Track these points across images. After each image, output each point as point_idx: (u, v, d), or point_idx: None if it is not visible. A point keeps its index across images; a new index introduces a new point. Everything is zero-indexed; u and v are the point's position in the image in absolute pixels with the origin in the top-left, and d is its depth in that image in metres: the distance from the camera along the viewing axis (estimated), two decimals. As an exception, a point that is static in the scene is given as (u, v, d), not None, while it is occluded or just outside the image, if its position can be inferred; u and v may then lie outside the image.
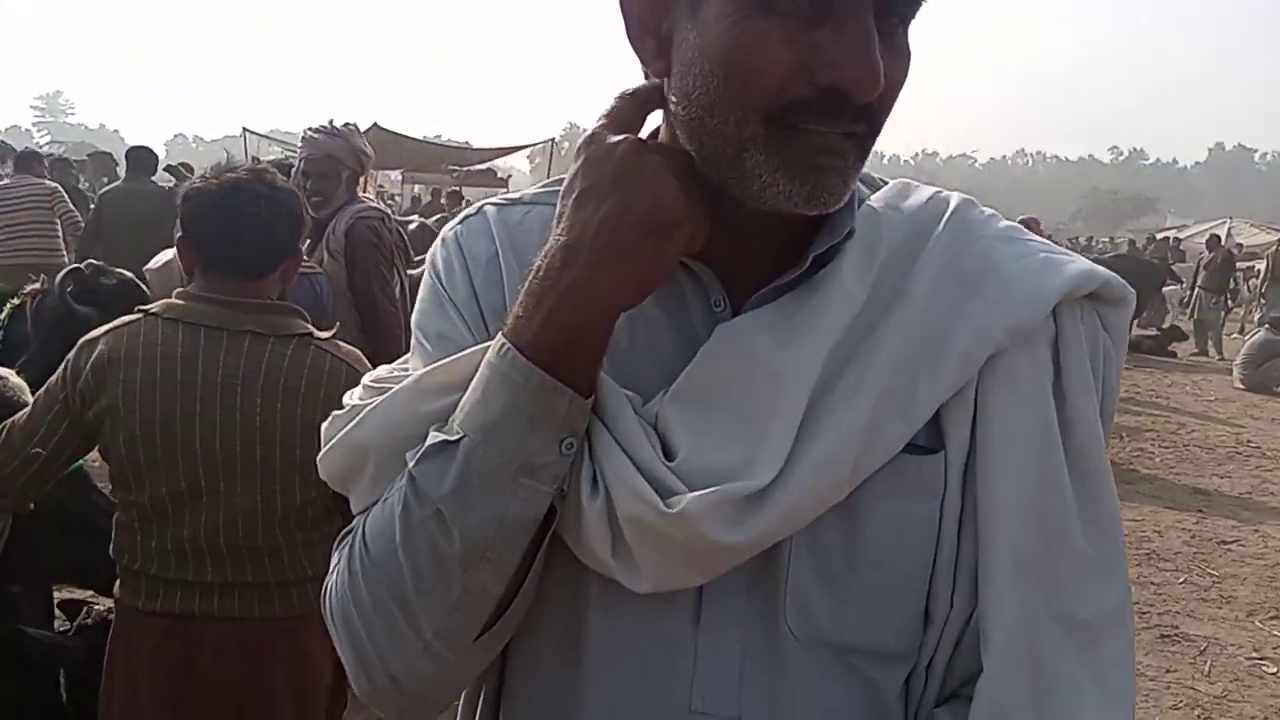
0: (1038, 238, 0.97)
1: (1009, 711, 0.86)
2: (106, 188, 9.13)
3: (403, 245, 4.57)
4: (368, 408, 0.93)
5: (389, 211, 4.67)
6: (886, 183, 1.02)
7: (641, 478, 0.84)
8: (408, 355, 1.03)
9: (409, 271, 4.59)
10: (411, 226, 11.39)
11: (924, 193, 0.99)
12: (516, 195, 1.06)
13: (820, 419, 0.85)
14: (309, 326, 2.26)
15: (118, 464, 2.18)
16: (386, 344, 4.13)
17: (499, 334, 0.86)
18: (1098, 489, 0.90)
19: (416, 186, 27.50)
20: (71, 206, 8.93)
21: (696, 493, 0.82)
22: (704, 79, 0.83)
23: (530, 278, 0.85)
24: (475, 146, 32.26)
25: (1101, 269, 0.94)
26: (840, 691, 0.92)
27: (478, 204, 1.07)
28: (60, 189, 9.00)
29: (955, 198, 0.98)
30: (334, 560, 0.95)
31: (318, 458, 0.97)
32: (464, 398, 0.87)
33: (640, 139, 0.87)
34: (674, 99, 0.88)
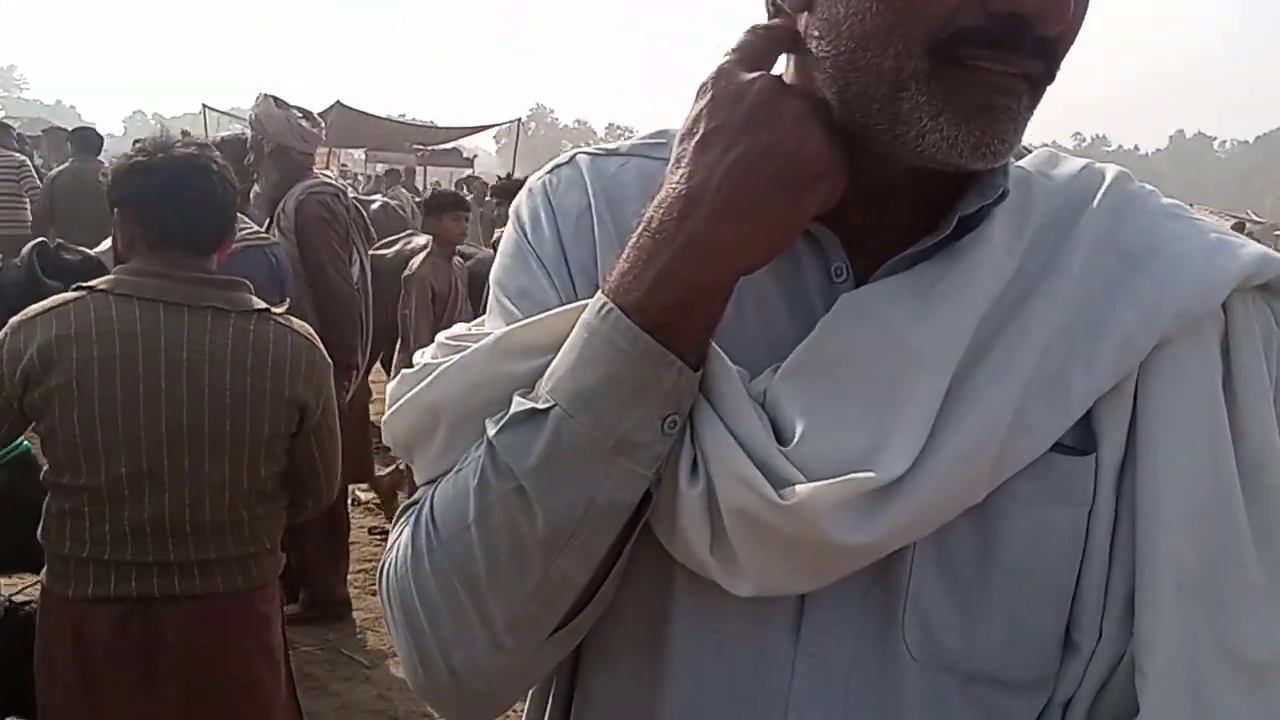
0: (1204, 217, 0.87)
1: None
2: (56, 169, 8.93)
3: (362, 223, 4.48)
4: (442, 366, 0.83)
5: (344, 188, 4.59)
6: (1030, 150, 0.91)
7: (751, 464, 0.73)
8: (480, 318, 0.94)
9: (371, 251, 4.50)
10: (374, 206, 11.32)
11: (1076, 162, 0.89)
12: (612, 145, 0.96)
13: (961, 404, 0.74)
14: (262, 302, 2.29)
15: (67, 447, 2.11)
16: (339, 320, 4.06)
17: (599, 292, 0.77)
18: (1275, 508, 0.78)
19: (380, 166, 27.25)
20: (38, 181, 8.79)
21: (817, 483, 0.72)
22: (860, 5, 0.73)
23: (640, 229, 0.75)
24: (441, 125, 32.02)
25: (1278, 255, 0.82)
26: None
27: (569, 152, 0.97)
28: (29, 162, 8.89)
29: (1111, 169, 0.88)
30: (394, 535, 0.87)
31: (384, 420, 0.88)
32: (555, 361, 0.77)
33: (779, 77, 0.77)
34: (816, 34, 0.77)
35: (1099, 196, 0.84)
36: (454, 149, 26.77)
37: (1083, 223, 0.82)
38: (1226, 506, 0.77)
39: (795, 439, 0.75)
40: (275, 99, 4.34)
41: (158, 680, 2.16)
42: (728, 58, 0.78)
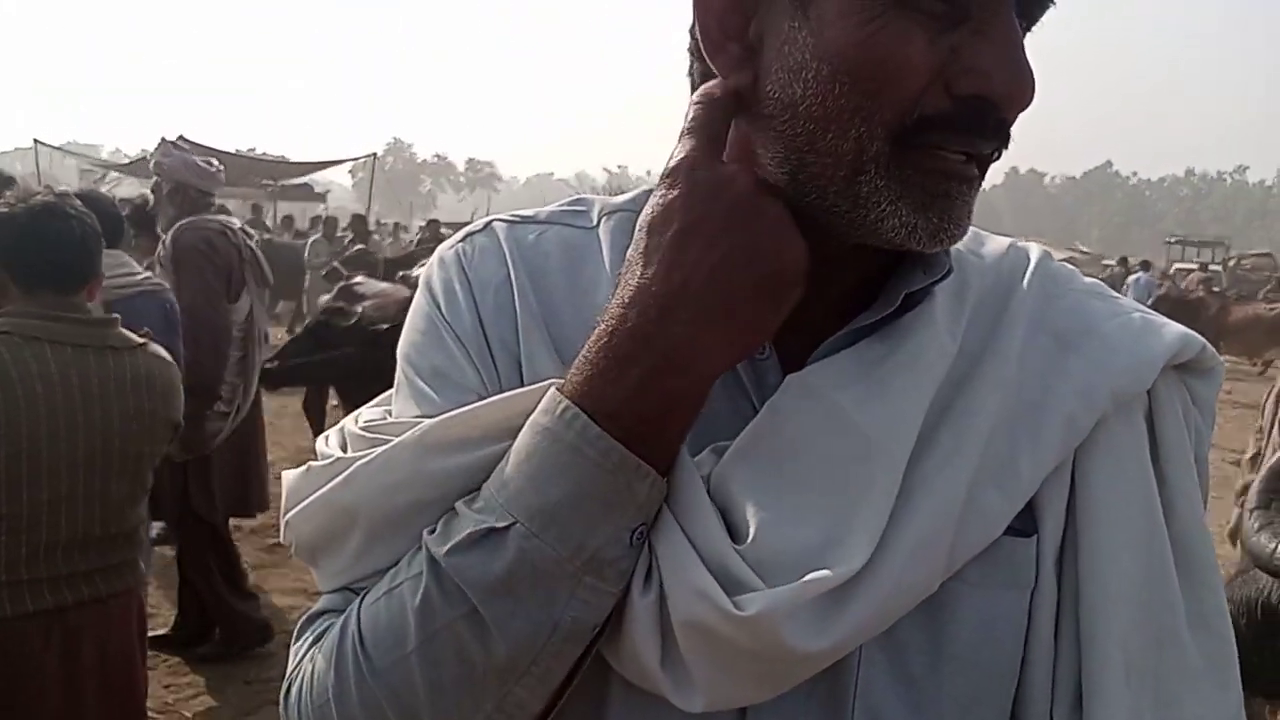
0: (1123, 297, 0.89)
1: None
2: None
3: (256, 264, 4.57)
4: (358, 462, 0.75)
5: (238, 228, 4.68)
6: None
7: (707, 571, 0.69)
8: (387, 394, 0.87)
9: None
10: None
11: (1001, 241, 0.89)
12: (529, 213, 0.91)
13: (915, 492, 0.71)
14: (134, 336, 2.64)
15: None
16: (202, 350, 4.13)
17: (554, 391, 0.71)
18: (1204, 582, 0.78)
19: (232, 202, 26.36)
20: None
21: (775, 589, 0.68)
22: (821, 86, 0.70)
23: (609, 329, 0.70)
24: (293, 160, 31.23)
25: (1197, 335, 0.83)
26: None
27: (483, 220, 0.92)
28: None
29: (1035, 249, 0.89)
30: (302, 651, 0.79)
31: (285, 517, 0.80)
32: (507, 468, 0.71)
33: (755, 173, 0.73)
34: (770, 111, 0.74)
35: (1028, 276, 0.84)
36: (305, 184, 26.11)
37: (1014, 303, 0.81)
38: (1164, 585, 0.77)
39: (750, 536, 0.70)
40: (173, 142, 4.67)
41: (77, 679, 2.45)
42: (690, 142, 0.74)
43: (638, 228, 0.72)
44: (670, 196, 0.71)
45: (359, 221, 15.64)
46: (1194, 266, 27.45)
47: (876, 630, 0.72)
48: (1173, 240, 37.93)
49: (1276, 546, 1.17)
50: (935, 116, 0.69)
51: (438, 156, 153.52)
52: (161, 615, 4.78)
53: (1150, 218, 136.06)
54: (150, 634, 4.51)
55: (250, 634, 4.60)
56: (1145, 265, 19.76)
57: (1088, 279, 0.88)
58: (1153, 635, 0.75)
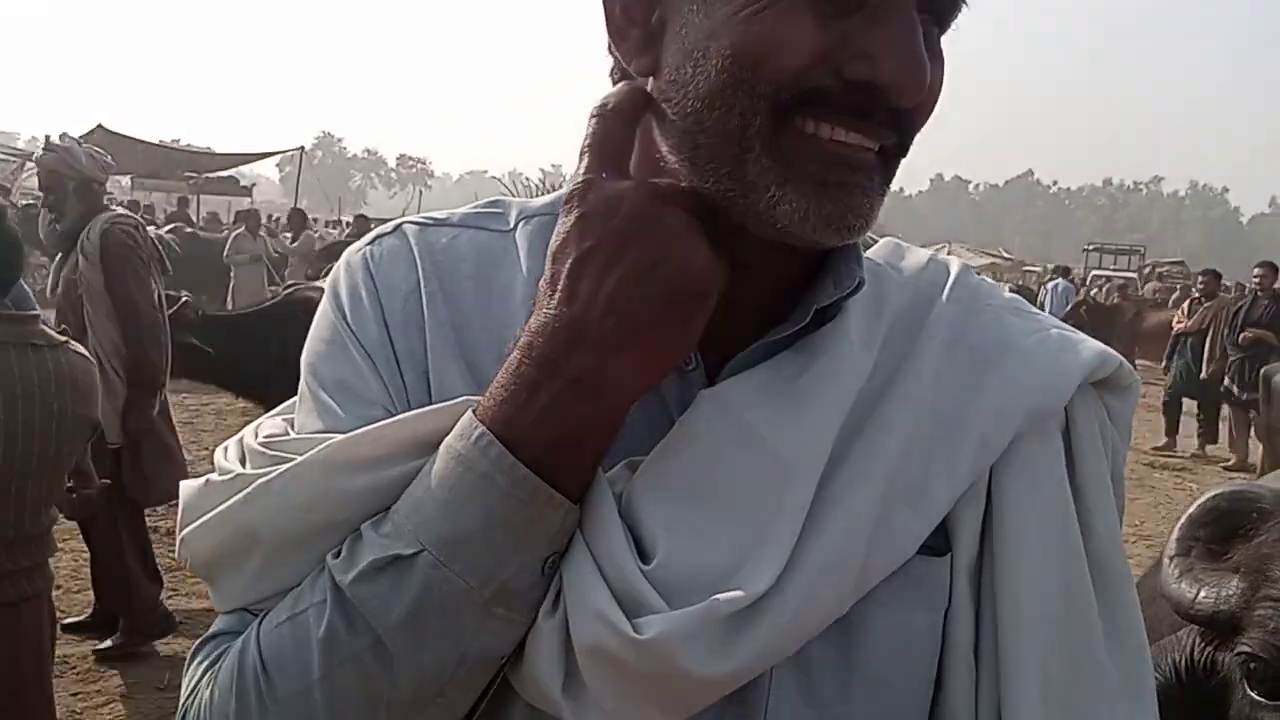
0: (1041, 312, 0.88)
1: None
2: None
3: (158, 256, 4.62)
4: (261, 480, 0.72)
5: (142, 221, 4.83)
6: (875, 239, 0.89)
7: (609, 593, 0.67)
8: (289, 403, 0.84)
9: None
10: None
11: (921, 254, 0.88)
12: (441, 215, 0.88)
13: (824, 513, 0.70)
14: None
15: None
16: (144, 341, 4.28)
17: (470, 414, 0.69)
18: (1121, 601, 0.78)
19: (153, 194, 25.66)
20: None
21: (675, 612, 0.66)
22: (707, 62, 0.70)
23: (519, 355, 0.69)
24: (218, 152, 30.45)
25: (1114, 353, 0.83)
26: None
27: (394, 222, 0.87)
28: None
29: (955, 263, 0.88)
30: (197, 676, 0.75)
31: (180, 533, 0.76)
32: (418, 492, 0.69)
33: (652, 182, 0.71)
34: (665, 94, 0.73)
35: (947, 290, 0.83)
36: (230, 177, 25.55)
37: (933, 317, 0.81)
38: (1082, 605, 0.76)
39: (656, 556, 0.69)
40: (71, 137, 4.70)
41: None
42: (585, 163, 0.72)
43: (547, 255, 0.71)
44: (568, 223, 0.70)
45: (298, 215, 15.24)
46: (1110, 273, 28.22)
47: (784, 653, 0.71)
48: (1091, 248, 38.93)
49: (1197, 593, 1.18)
50: (817, 92, 0.68)
51: (369, 151, 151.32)
52: (72, 609, 4.65)
53: (1070, 225, 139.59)
54: (66, 621, 4.45)
55: (154, 624, 4.57)
56: (1064, 271, 20.22)
57: (1007, 294, 0.88)
58: (1070, 655, 0.75)
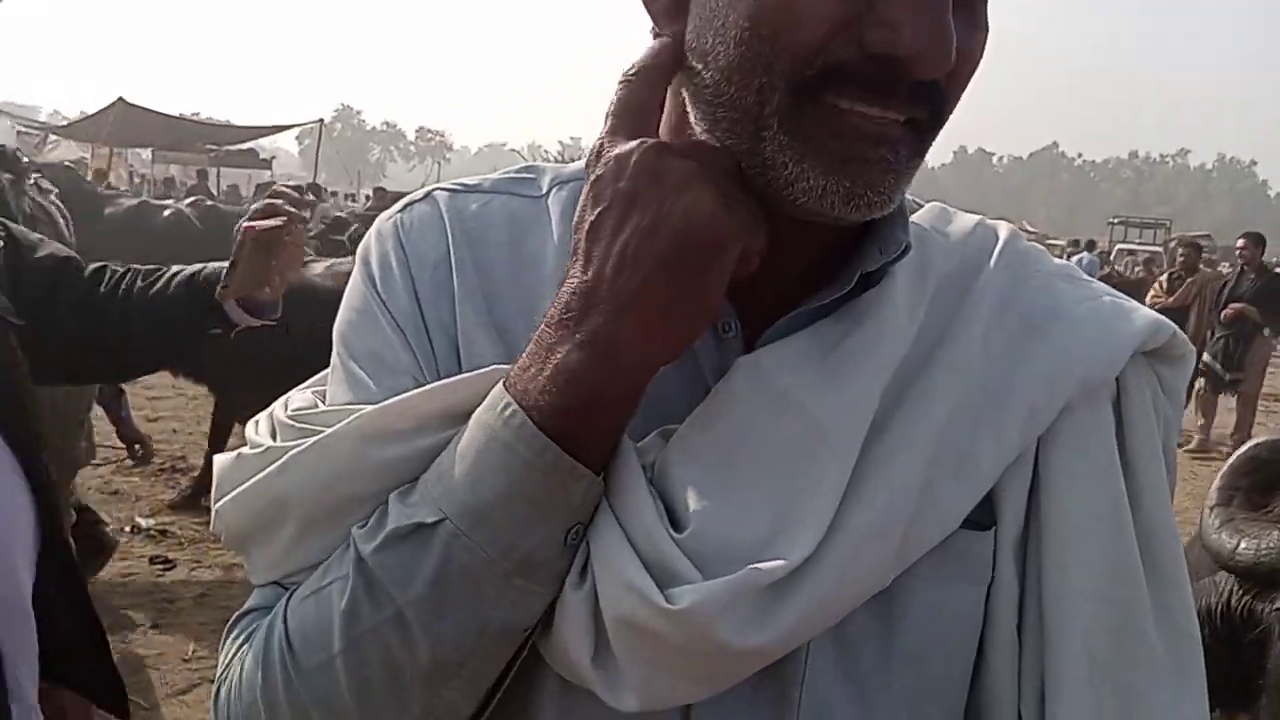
0: (1092, 278, 0.85)
1: None
2: None
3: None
4: (292, 451, 0.72)
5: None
6: (919, 204, 0.86)
7: (639, 563, 0.66)
8: (320, 375, 0.83)
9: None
10: (166, 214, 10.47)
11: (968, 219, 0.85)
12: (473, 180, 0.86)
13: (865, 483, 0.68)
14: None
15: None
16: None
17: (499, 386, 0.68)
18: (1172, 578, 0.76)
19: (172, 167, 25.78)
20: None
21: (709, 582, 0.65)
22: (726, 33, 0.67)
23: (543, 324, 0.68)
24: (238, 125, 30.58)
25: (1167, 321, 0.80)
26: None
27: (425, 189, 0.86)
28: None
29: (1004, 228, 0.85)
30: (231, 651, 0.76)
31: (214, 505, 0.77)
32: (445, 461, 0.68)
33: (660, 141, 0.69)
34: (692, 64, 0.71)
35: (995, 256, 0.80)
36: (250, 150, 25.61)
37: (980, 283, 0.78)
38: (1131, 579, 0.74)
39: (689, 526, 0.67)
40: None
41: None
42: (606, 126, 0.70)
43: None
44: (585, 188, 0.68)
45: (314, 189, 15.30)
46: (1135, 246, 27.97)
47: (822, 626, 0.69)
48: (1116, 221, 38.62)
49: (1238, 544, 1.16)
50: (839, 69, 0.65)
51: (387, 124, 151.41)
52: None
53: (1095, 198, 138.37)
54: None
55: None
56: (1090, 245, 20.08)
57: (1057, 260, 0.85)
58: (1117, 631, 0.73)
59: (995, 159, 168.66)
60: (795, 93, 0.65)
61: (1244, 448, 1.41)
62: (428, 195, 0.85)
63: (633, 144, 0.67)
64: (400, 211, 0.84)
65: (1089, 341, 0.76)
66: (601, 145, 0.69)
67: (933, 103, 0.68)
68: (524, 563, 0.67)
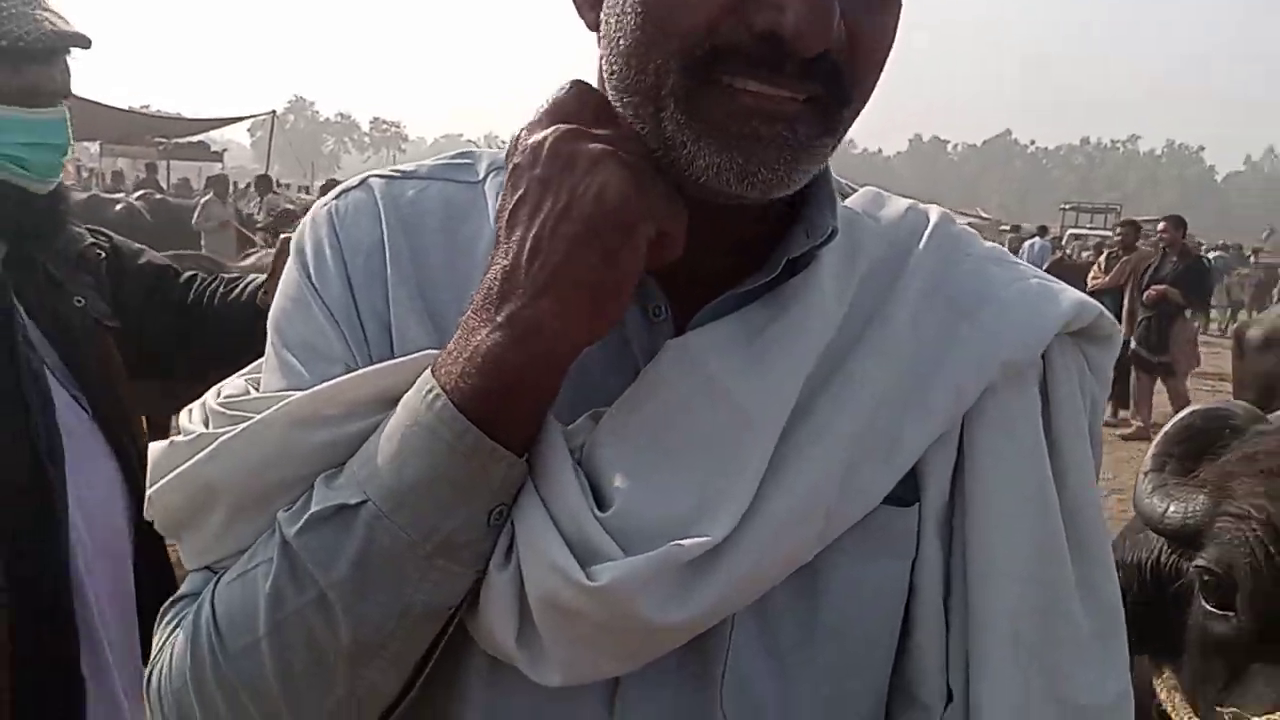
0: (1022, 261, 0.87)
1: None
2: None
3: None
4: (222, 437, 0.73)
5: None
6: (855, 188, 0.87)
7: (562, 542, 0.67)
8: (255, 364, 0.82)
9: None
10: (118, 208, 10.30)
11: (900, 203, 0.86)
12: (410, 167, 0.86)
13: (787, 464, 0.70)
14: None
15: None
16: None
17: (428, 371, 0.69)
18: (1096, 554, 0.78)
19: (120, 160, 25.31)
20: None
21: (629, 559, 0.66)
22: (624, 19, 0.69)
23: (469, 310, 0.69)
24: (188, 117, 30.07)
25: (1092, 301, 0.82)
26: None
27: (361, 175, 0.86)
28: None
29: (935, 211, 0.86)
30: (163, 634, 0.76)
31: (149, 492, 0.77)
32: (372, 445, 0.69)
33: (573, 126, 0.70)
34: (602, 50, 0.73)
35: (924, 240, 0.82)
36: (201, 142, 25.21)
37: (910, 267, 0.79)
38: (1055, 556, 0.76)
39: (615, 504, 0.68)
40: None
41: None
42: (532, 119, 0.71)
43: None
44: (505, 178, 0.70)
45: (264, 182, 15.09)
46: (1088, 231, 28.36)
47: (743, 602, 0.71)
48: (1068, 206, 39.09)
49: (1167, 507, 1.20)
50: (727, 49, 0.66)
51: (341, 115, 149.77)
52: None
53: (1047, 184, 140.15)
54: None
55: None
56: (1042, 231, 20.30)
57: (987, 243, 0.87)
58: (1041, 606, 0.75)
59: (950, 147, 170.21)
60: (688, 73, 0.67)
61: (1178, 416, 1.46)
62: (363, 182, 0.85)
63: (546, 131, 0.68)
64: (335, 199, 0.84)
65: (1015, 323, 0.78)
66: (519, 135, 0.70)
67: (830, 80, 0.68)
68: (445, 544, 0.68)
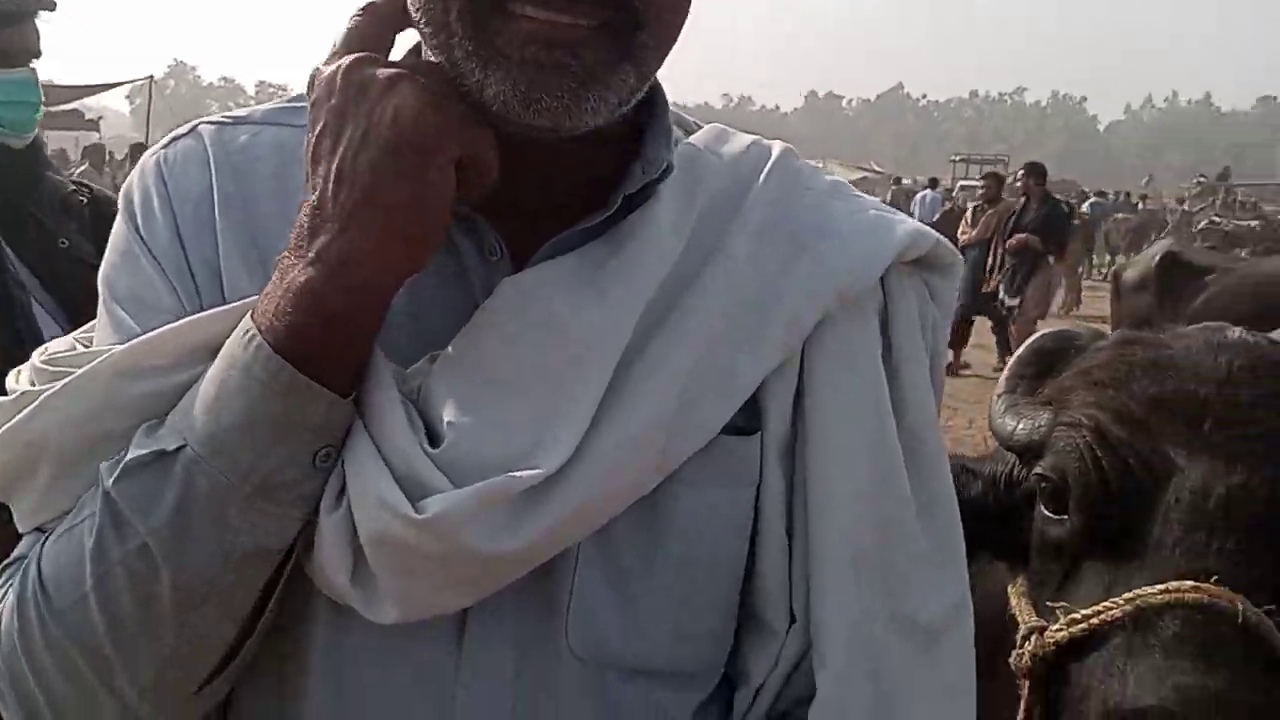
0: (863, 194, 0.88)
1: None
2: None
3: None
4: (44, 394, 0.71)
5: None
6: (700, 125, 0.87)
7: (391, 479, 0.67)
8: (89, 325, 0.80)
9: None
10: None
11: (744, 139, 0.86)
12: (243, 112, 0.84)
13: (623, 394, 0.71)
14: None
15: None
16: None
17: (249, 315, 0.68)
18: (933, 475, 0.81)
19: (-13, 130, 23.93)
20: None
21: (455, 491, 0.66)
22: None
23: (285, 250, 0.69)
24: (61, 84, 28.63)
25: (931, 231, 0.84)
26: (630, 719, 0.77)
27: (191, 122, 0.85)
28: None
29: (777, 146, 0.86)
30: None
31: None
32: (192, 391, 0.69)
33: (365, 54, 0.69)
34: None
35: (765, 174, 0.82)
36: (75, 110, 24.02)
37: (750, 202, 0.80)
38: (893, 480, 0.78)
39: (447, 440, 0.69)
40: None
41: None
42: (329, 53, 0.71)
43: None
44: (308, 116, 0.70)
45: (138, 150, 14.49)
46: (977, 183, 29.04)
47: (581, 533, 0.72)
48: (958, 159, 39.94)
49: (1016, 425, 1.26)
50: None
51: (225, 80, 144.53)
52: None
53: (938, 137, 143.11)
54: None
55: None
56: (933, 183, 20.76)
57: (829, 177, 0.88)
58: (881, 527, 0.78)
59: (845, 102, 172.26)
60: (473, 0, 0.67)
61: (1030, 339, 1.52)
62: (193, 129, 0.83)
63: (339, 63, 0.68)
64: (163, 148, 0.83)
65: (850, 254, 0.80)
66: (316, 70, 0.70)
67: (618, 7, 0.68)
68: (265, 486, 0.67)
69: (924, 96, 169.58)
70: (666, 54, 0.74)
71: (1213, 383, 1.14)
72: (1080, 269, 16.36)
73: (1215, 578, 1.00)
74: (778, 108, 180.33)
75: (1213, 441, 1.09)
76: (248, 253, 0.77)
